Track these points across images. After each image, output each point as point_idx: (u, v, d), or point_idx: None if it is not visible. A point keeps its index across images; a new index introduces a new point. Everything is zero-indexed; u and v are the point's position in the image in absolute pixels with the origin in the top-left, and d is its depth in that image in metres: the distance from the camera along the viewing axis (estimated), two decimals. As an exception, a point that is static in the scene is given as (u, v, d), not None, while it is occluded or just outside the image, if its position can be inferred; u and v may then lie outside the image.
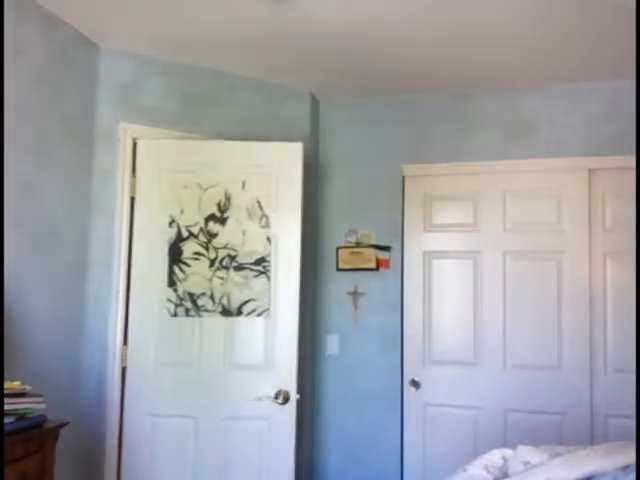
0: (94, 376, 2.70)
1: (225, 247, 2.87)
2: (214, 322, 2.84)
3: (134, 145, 2.84)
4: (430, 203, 3.36)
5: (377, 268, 3.33)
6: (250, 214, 2.88)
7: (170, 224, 2.85)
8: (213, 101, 3.08)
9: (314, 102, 3.46)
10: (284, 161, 2.90)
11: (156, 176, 2.85)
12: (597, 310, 3.07)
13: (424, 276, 3.33)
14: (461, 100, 3.34)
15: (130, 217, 2.81)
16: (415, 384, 3.27)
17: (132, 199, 2.82)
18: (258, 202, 2.89)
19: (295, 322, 2.82)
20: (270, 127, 3.23)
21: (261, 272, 2.87)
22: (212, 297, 2.85)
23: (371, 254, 3.36)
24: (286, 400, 2.76)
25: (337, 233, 3.44)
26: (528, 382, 3.11)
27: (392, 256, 3.34)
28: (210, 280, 2.86)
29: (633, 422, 2.82)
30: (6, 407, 1.83)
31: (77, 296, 2.66)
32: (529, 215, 3.20)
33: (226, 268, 2.87)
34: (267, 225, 2.88)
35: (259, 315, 2.85)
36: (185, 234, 2.86)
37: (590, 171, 3.12)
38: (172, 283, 2.84)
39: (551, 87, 3.20)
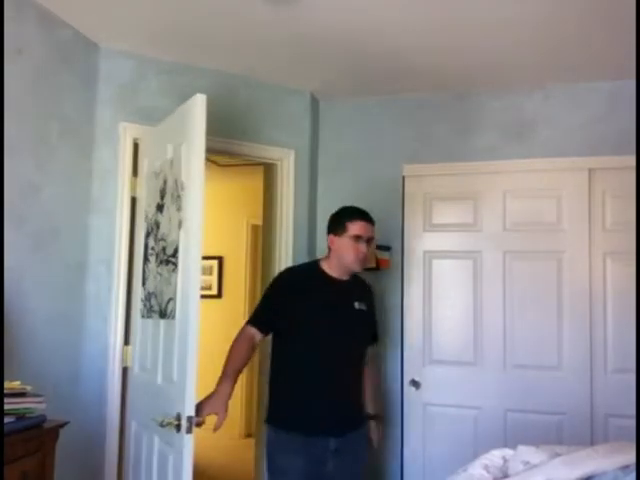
0: (94, 376, 2.70)
1: (162, 239, 2.40)
2: (157, 325, 2.42)
3: (134, 145, 2.83)
4: (430, 203, 3.35)
5: (377, 268, 3.33)
6: (173, 196, 2.33)
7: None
8: (213, 101, 3.07)
9: (314, 102, 3.46)
10: (188, 120, 2.29)
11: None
12: (597, 310, 3.06)
13: (424, 276, 3.32)
14: (461, 100, 3.33)
15: (130, 217, 2.80)
16: (415, 384, 3.27)
17: (133, 199, 2.82)
18: (176, 179, 2.31)
19: (194, 329, 2.09)
20: (270, 127, 3.23)
21: (175, 265, 2.26)
22: (156, 296, 2.43)
23: (371, 254, 3.35)
24: (178, 427, 2.05)
25: (337, 233, 3.43)
26: (528, 382, 3.10)
27: (392, 256, 3.34)
28: (155, 277, 2.46)
29: (633, 422, 2.81)
30: (6, 407, 1.83)
31: (77, 296, 2.66)
32: (529, 215, 3.20)
33: (162, 262, 2.39)
34: (180, 207, 2.26)
35: (173, 318, 2.26)
36: (150, 228, 2.56)
37: (590, 171, 3.12)
38: (144, 281, 2.60)
39: (551, 87, 3.20)
